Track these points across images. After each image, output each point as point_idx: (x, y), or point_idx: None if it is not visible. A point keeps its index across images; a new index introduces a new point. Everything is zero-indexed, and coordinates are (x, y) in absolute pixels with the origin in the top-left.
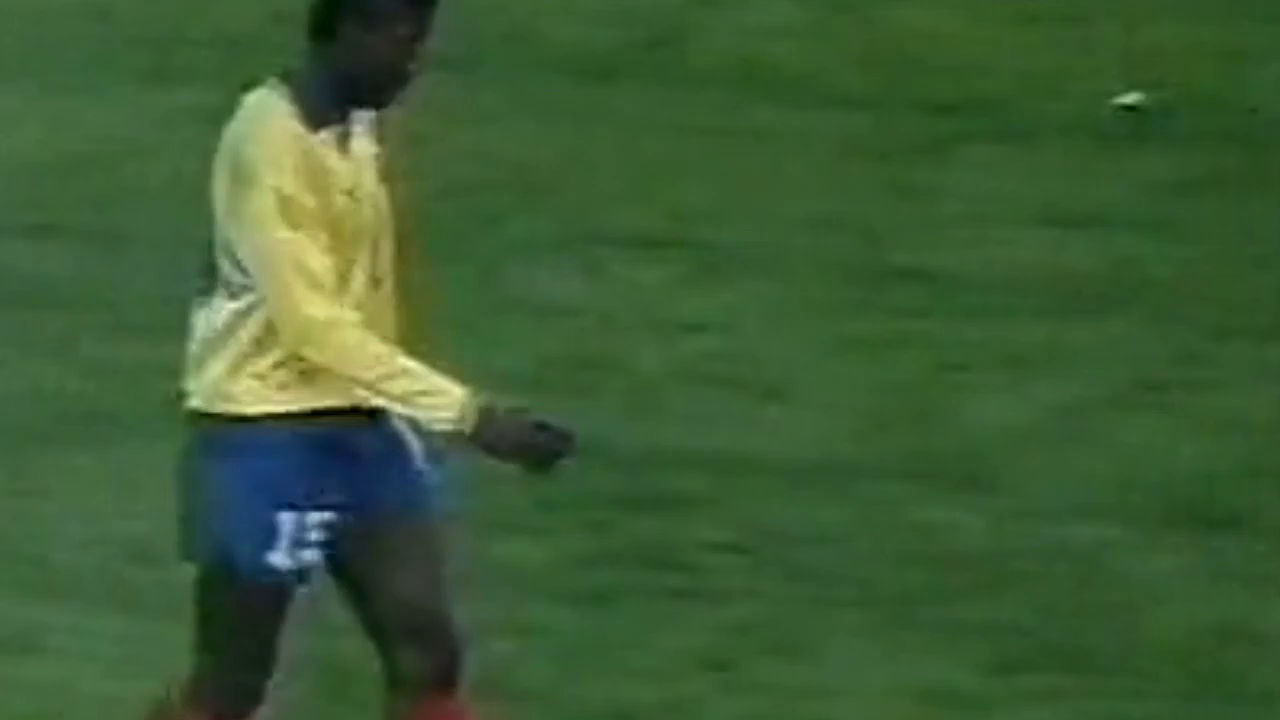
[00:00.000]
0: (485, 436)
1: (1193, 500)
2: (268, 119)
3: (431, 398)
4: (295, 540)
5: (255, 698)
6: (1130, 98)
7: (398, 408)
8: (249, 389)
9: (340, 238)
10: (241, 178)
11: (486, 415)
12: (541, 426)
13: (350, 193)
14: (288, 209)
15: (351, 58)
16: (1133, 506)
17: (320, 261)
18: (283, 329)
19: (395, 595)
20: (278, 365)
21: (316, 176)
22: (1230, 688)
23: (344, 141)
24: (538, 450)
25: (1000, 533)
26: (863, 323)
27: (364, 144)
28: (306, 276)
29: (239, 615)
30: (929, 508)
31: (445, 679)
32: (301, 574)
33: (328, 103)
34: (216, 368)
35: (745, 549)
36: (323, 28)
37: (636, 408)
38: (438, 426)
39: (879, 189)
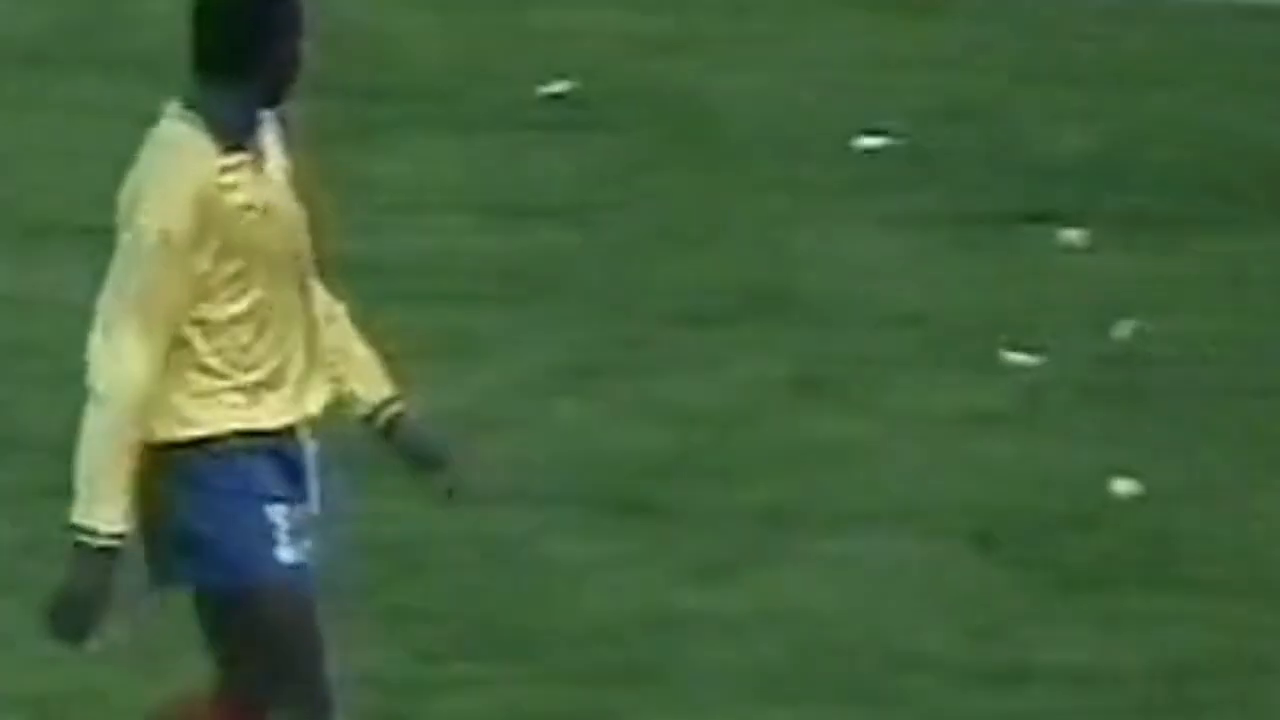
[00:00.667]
0: (71, 571)
1: (620, 486)
2: (172, 152)
3: (99, 503)
4: (293, 532)
5: (330, 707)
6: (559, 86)
7: (77, 485)
8: (206, 410)
9: (262, 258)
10: (135, 208)
11: (94, 561)
12: (87, 612)
13: (266, 211)
14: (166, 245)
15: (276, 72)
16: (561, 492)
17: (165, 314)
18: (96, 350)
19: None
20: (228, 388)
21: (219, 209)
22: (655, 672)
23: (259, 159)
24: (68, 624)
25: (428, 518)
26: None
27: (276, 158)
28: (143, 320)
29: (273, 627)
30: (360, 495)
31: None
32: (309, 566)
33: (240, 123)
34: (170, 395)
35: None
36: (237, 54)
37: (63, 396)
38: (73, 517)
39: (309, 176)
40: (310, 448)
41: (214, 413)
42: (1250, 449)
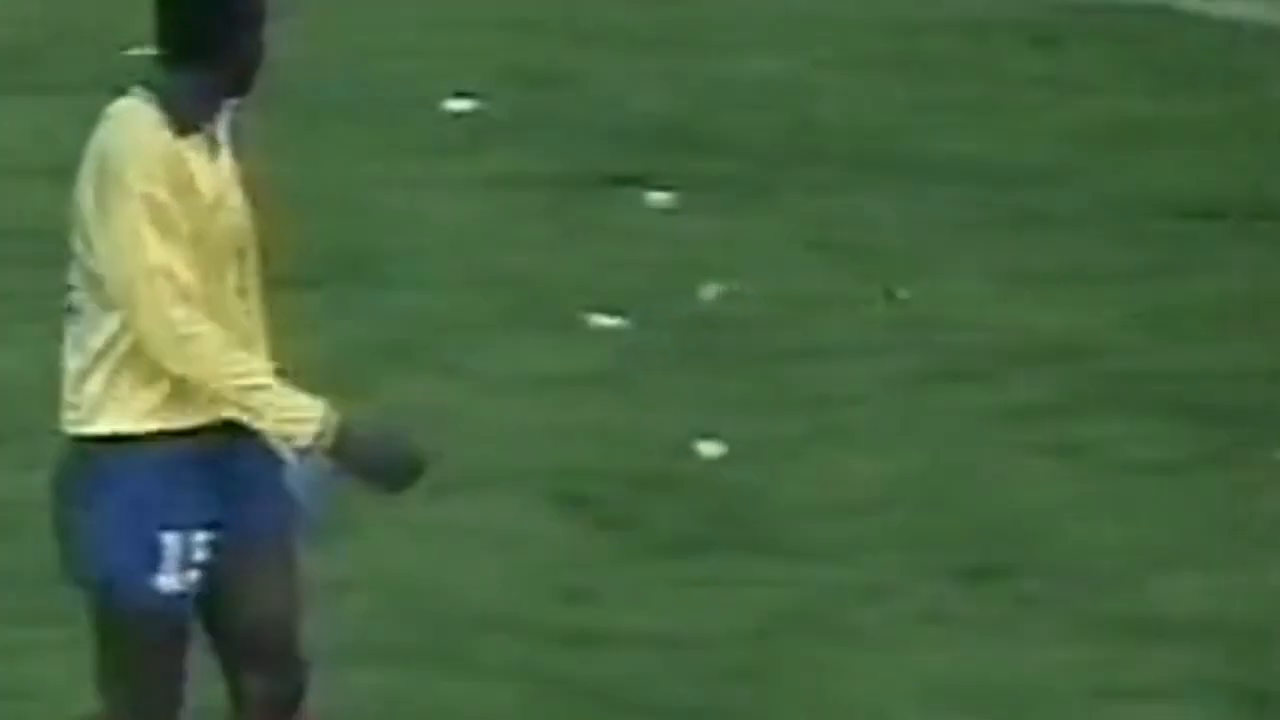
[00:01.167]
0: (344, 453)
1: None
2: (137, 127)
3: (292, 412)
4: (181, 561)
5: None
6: (144, 49)
7: (256, 421)
8: (126, 407)
9: (207, 246)
10: (112, 186)
11: (346, 432)
12: (397, 444)
13: (218, 201)
14: (160, 217)
15: (231, 62)
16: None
17: (188, 274)
18: (147, 338)
19: (253, 619)
20: (153, 383)
21: (185, 185)
22: None
23: (213, 149)
24: (395, 470)
25: (19, 484)
26: None
27: (228, 153)
28: (174, 286)
29: (135, 644)
30: None
31: (289, 703)
32: (188, 597)
33: (199, 110)
34: (93, 387)
35: None
36: (193, 39)
37: None
38: (296, 442)
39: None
40: (257, 446)
41: (131, 410)
42: (831, 411)
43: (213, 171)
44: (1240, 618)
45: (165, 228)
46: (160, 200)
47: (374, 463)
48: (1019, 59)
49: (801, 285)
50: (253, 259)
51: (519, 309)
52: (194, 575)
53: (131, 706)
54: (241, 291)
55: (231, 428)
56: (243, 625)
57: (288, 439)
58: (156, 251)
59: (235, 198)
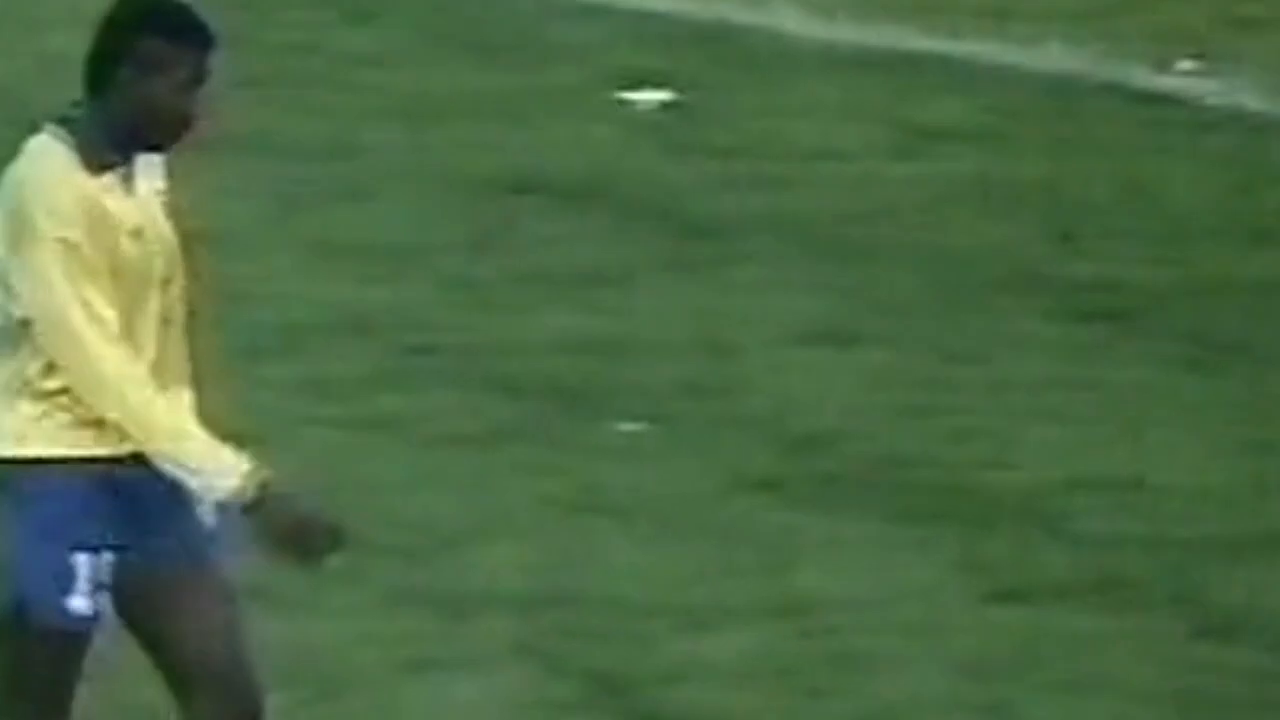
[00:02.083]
0: (260, 515)
1: None
2: (47, 166)
3: (215, 464)
4: (93, 582)
5: None
6: None
7: (178, 470)
8: (38, 431)
9: (126, 279)
10: (24, 228)
11: (265, 494)
12: (313, 517)
13: (136, 234)
14: (73, 258)
15: (132, 104)
16: None
17: (109, 312)
18: (77, 382)
19: (194, 647)
20: (65, 408)
21: (98, 222)
22: None
23: (127, 183)
24: (307, 541)
25: None
26: None
27: (149, 183)
28: (99, 328)
29: (38, 664)
30: None
31: None
32: (98, 617)
33: (108, 147)
34: (10, 410)
35: None
36: (101, 75)
37: None
38: (214, 495)
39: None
40: (156, 474)
41: (43, 433)
42: None
43: (127, 203)
44: (552, 588)
45: (82, 269)
46: (73, 241)
47: (290, 527)
48: (332, 33)
49: None
50: (176, 288)
51: None
52: (103, 597)
53: None
54: (166, 321)
55: (143, 458)
56: (186, 654)
57: (207, 490)
58: (74, 295)
59: (156, 228)
